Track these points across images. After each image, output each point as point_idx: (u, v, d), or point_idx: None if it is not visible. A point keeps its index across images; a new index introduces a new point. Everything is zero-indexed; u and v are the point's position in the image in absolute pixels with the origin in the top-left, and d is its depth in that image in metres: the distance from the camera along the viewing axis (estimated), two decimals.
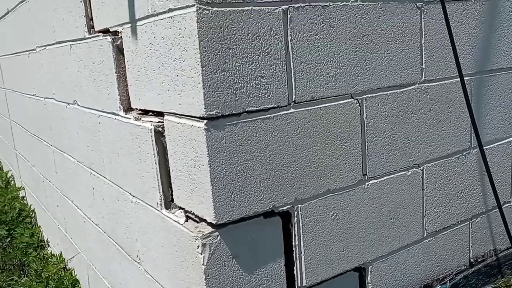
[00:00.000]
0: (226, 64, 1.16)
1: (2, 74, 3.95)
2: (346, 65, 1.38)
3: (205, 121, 1.16)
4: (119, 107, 1.58)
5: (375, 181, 1.51)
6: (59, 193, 2.75)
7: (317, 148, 1.36)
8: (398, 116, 1.53)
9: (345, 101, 1.40)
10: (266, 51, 1.22)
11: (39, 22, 2.39)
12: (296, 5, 1.26)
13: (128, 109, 1.57)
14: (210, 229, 1.23)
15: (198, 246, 1.22)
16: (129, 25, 1.44)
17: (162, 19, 1.25)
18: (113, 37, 1.55)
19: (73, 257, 2.53)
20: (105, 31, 1.64)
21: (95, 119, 1.83)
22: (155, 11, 1.28)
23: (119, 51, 1.55)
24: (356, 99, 1.42)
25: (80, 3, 1.73)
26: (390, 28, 1.46)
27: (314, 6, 1.29)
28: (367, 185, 1.49)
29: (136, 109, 1.54)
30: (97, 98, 1.77)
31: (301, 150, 1.33)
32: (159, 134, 1.39)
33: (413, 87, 1.55)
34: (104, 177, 1.87)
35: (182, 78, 1.21)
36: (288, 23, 1.25)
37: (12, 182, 4.77)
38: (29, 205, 4.03)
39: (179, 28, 1.18)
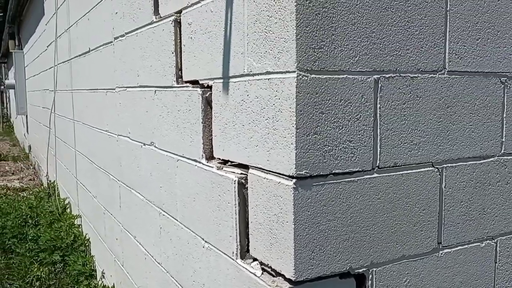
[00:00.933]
0: (318, 127, 1.22)
1: (73, 106, 4.18)
2: (429, 134, 1.41)
3: (294, 180, 1.21)
4: (202, 155, 1.66)
5: (449, 250, 1.50)
6: (120, 226, 2.85)
7: (396, 214, 1.38)
8: (475, 187, 1.53)
9: (426, 169, 1.42)
10: (356, 117, 1.28)
11: (122, 65, 2.55)
12: (387, 75, 1.32)
13: (210, 157, 1.65)
14: (288, 285, 1.26)
15: None
16: (221, 80, 1.54)
17: (258, 80, 1.33)
18: (202, 89, 1.65)
19: None
20: (193, 82, 1.75)
21: (172, 162, 1.92)
22: (251, 71, 1.36)
23: (207, 102, 1.64)
24: (437, 168, 1.44)
25: (172, 54, 1.86)
26: (473, 101, 1.49)
27: (404, 77, 1.35)
28: (441, 253, 1.49)
29: (218, 158, 1.62)
30: (177, 143, 1.86)
31: (381, 214, 1.35)
32: (242, 186, 1.44)
33: (492, 159, 1.56)
34: (175, 219, 1.93)
35: (273, 137, 1.27)
36: (378, 91, 1.31)
37: (69, 209, 4.95)
38: (84, 233, 4.16)
39: (276, 90, 1.25)
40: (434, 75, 1.41)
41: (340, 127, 1.26)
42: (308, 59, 1.19)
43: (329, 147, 1.25)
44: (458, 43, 1.44)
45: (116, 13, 2.59)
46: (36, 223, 4.92)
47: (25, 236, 4.61)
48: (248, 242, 1.44)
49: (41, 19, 6.35)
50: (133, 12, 2.31)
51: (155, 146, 2.13)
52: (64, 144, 4.89)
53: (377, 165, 1.33)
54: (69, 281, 3.65)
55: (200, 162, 1.68)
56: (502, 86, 1.54)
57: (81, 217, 4.31)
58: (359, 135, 1.29)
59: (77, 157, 4.21)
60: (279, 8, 1.22)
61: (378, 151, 1.33)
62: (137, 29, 2.27)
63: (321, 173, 1.24)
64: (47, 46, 5.65)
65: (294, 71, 1.18)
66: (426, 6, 1.36)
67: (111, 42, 2.75)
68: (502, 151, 1.58)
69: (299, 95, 1.19)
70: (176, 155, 1.88)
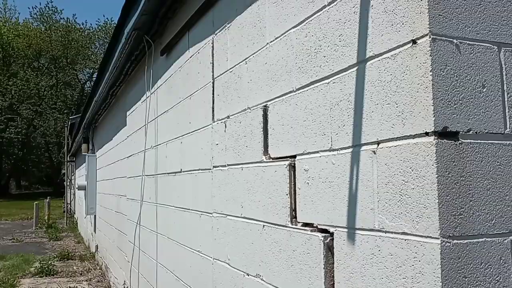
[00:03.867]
0: None
1: (157, 219, 4.36)
2: None
3: None
4: None
5: None
6: None
7: None
8: None
9: None
10: (496, 278, 1.30)
11: (222, 193, 2.70)
12: None
13: None
14: None
15: None
16: (345, 230, 1.61)
17: (392, 238, 1.40)
18: (324, 234, 1.73)
19: None
20: (309, 225, 1.83)
21: None
22: (383, 228, 1.44)
23: (328, 248, 1.71)
24: None
25: (286, 196, 1.97)
26: None
27: None
28: None
29: None
30: (290, 282, 1.91)
31: None
32: None
33: None
34: None
35: None
36: None
37: None
38: None
39: (416, 252, 1.31)
40: None
41: None
42: (450, 226, 1.26)
43: None
44: None
45: (217, 144, 2.79)
46: None
47: None
48: None
49: (121, 129, 6.82)
50: (238, 148, 2.49)
51: (262, 279, 2.19)
52: (143, 253, 5.03)
53: None
54: None
55: None
56: None
57: None
58: None
59: (159, 270, 4.30)
60: (416, 176, 1.31)
61: None
62: (242, 163, 2.43)
63: None
64: (128, 157, 6.02)
65: (438, 238, 1.24)
66: None
67: (209, 169, 2.93)
68: None
69: (443, 261, 1.24)
70: None
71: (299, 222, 1.91)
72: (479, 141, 1.33)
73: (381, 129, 1.45)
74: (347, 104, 1.62)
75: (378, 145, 1.47)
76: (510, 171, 1.35)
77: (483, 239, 1.30)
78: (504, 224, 1.33)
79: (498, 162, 1.34)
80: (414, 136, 1.33)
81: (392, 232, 1.40)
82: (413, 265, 1.32)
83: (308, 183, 1.85)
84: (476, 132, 1.33)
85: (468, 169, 1.30)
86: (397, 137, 1.39)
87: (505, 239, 1.33)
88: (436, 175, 1.25)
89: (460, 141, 1.30)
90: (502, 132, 1.36)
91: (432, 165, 1.27)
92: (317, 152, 1.79)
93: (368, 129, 1.52)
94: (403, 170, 1.36)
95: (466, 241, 1.28)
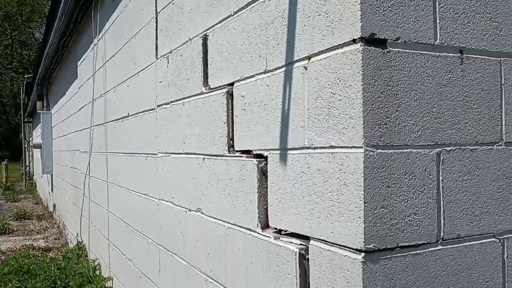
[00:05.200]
0: (385, 201, 1.24)
1: (108, 169, 4.27)
2: (489, 205, 1.42)
3: (362, 254, 1.22)
4: (257, 224, 1.68)
5: None
6: None
7: (460, 287, 1.37)
8: None
9: (488, 240, 1.42)
10: (420, 190, 1.30)
11: (166, 131, 2.63)
12: (448, 148, 1.35)
13: (265, 226, 1.67)
14: None
15: None
16: (278, 151, 1.58)
17: (320, 153, 1.37)
18: (258, 159, 1.69)
19: None
20: (246, 152, 1.79)
21: (222, 230, 1.94)
22: (312, 144, 1.41)
23: (262, 173, 1.68)
24: (499, 238, 1.44)
25: (224, 124, 1.92)
26: None
27: (464, 149, 1.38)
28: None
29: (273, 227, 1.63)
30: (228, 211, 1.89)
31: (446, 287, 1.34)
32: (302, 257, 1.45)
33: None
34: (225, 287, 1.93)
35: (338, 210, 1.29)
36: (441, 164, 1.33)
37: (98, 271, 4.93)
38: None
39: (341, 164, 1.28)
40: (492, 147, 1.43)
41: (406, 200, 1.28)
42: (374, 135, 1.23)
43: (395, 220, 1.26)
44: None
45: (161, 82, 2.70)
46: (66, 285, 4.90)
47: None
48: None
49: (73, 82, 6.59)
50: (180, 83, 2.41)
51: (202, 213, 2.16)
52: (96, 205, 4.95)
53: (441, 237, 1.34)
54: None
55: (254, 231, 1.69)
56: None
57: (112, 280, 4.29)
58: (423, 207, 1.30)
59: (110, 219, 4.24)
60: (343, 87, 1.28)
61: (442, 223, 1.33)
62: (183, 98, 2.36)
63: (388, 247, 1.25)
64: (80, 109, 5.83)
65: (361, 147, 1.22)
66: (482, 81, 1.41)
67: (154, 109, 2.84)
68: None
69: (366, 170, 1.22)
70: (227, 222, 1.90)
71: (236, 151, 1.87)
72: (408, 50, 1.29)
73: (312, 42, 1.40)
74: (281, 22, 1.56)
75: (309, 60, 1.43)
76: (438, 82, 1.33)
77: (408, 150, 1.29)
78: (431, 136, 1.32)
79: (426, 73, 1.32)
80: (342, 45, 1.29)
81: (320, 148, 1.37)
82: (338, 178, 1.30)
83: (244, 109, 1.80)
84: (405, 41, 1.29)
85: (396, 79, 1.27)
86: (326, 49, 1.34)
87: (431, 151, 1.32)
88: (362, 83, 1.22)
89: (388, 49, 1.26)
90: (432, 43, 1.33)
91: (358, 73, 1.23)
92: (253, 76, 1.73)
93: (300, 45, 1.46)
94: (332, 82, 1.32)
95: (390, 151, 1.26)
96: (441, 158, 1.33)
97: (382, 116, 1.25)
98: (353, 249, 1.25)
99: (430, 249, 1.32)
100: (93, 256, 5.19)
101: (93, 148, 4.83)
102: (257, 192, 1.68)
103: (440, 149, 1.33)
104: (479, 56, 1.41)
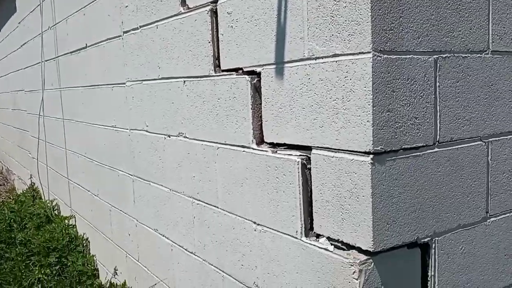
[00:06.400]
0: (391, 105, 1.29)
1: (63, 105, 4.10)
2: (477, 110, 1.51)
3: (371, 156, 1.27)
4: (252, 140, 1.70)
5: (495, 218, 1.61)
6: (135, 221, 2.84)
7: (452, 186, 1.47)
8: None
9: (475, 143, 1.52)
10: (420, 94, 1.36)
11: (136, 58, 2.55)
12: (444, 55, 1.40)
13: (260, 142, 1.69)
14: (364, 256, 1.33)
15: (354, 272, 1.31)
16: (273, 66, 1.58)
17: (322, 63, 1.39)
18: (250, 76, 1.69)
19: (155, 285, 2.60)
20: (235, 70, 1.78)
21: (210, 150, 1.95)
22: (313, 55, 1.42)
23: (255, 89, 1.68)
24: (484, 141, 1.54)
25: (208, 44, 1.88)
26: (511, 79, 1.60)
27: (457, 56, 1.44)
28: (489, 222, 1.59)
29: (268, 143, 1.66)
30: (216, 131, 1.89)
31: (440, 186, 1.44)
32: (304, 166, 1.50)
33: None
34: (215, 207, 1.96)
35: (343, 117, 1.33)
36: (438, 70, 1.39)
37: (57, 211, 4.84)
38: (80, 233, 4.10)
39: (347, 72, 1.31)
40: (481, 55, 1.50)
41: (408, 104, 1.33)
42: (381, 40, 1.26)
43: (399, 124, 1.32)
44: (499, 25, 1.54)
45: (127, 6, 2.58)
46: (23, 227, 4.79)
47: (13, 240, 4.49)
48: (312, 220, 1.50)
49: (10, 17, 6.15)
50: (151, 5, 2.31)
51: (184, 137, 2.15)
52: (50, 145, 4.78)
53: (438, 140, 1.41)
54: (71, 282, 3.59)
55: (249, 148, 1.72)
56: None
57: (75, 217, 4.24)
58: (423, 111, 1.37)
59: (69, 157, 4.13)
60: None
61: (438, 127, 1.41)
62: (157, 21, 2.27)
63: (393, 149, 1.31)
64: (22, 45, 5.49)
65: (370, 52, 1.24)
66: None
67: (119, 36, 2.73)
68: None
69: (374, 74, 1.25)
70: (216, 143, 1.91)
71: (223, 70, 1.85)
72: None
73: None
74: None
75: None
76: None
77: (410, 56, 1.33)
78: (429, 42, 1.36)
79: None
80: None
81: (322, 57, 1.38)
82: (343, 85, 1.32)
83: (232, 26, 1.77)
84: None
85: None
86: None
87: (430, 58, 1.37)
88: None
89: None
90: None
91: None
92: None
93: None
94: None
95: (395, 56, 1.29)
96: (438, 64, 1.39)
97: (388, 21, 1.27)
98: (360, 152, 1.30)
99: (428, 151, 1.40)
100: (50, 197, 5.07)
101: (44, 86, 4.61)
102: (251, 109, 1.69)
103: (437, 56, 1.39)
104: None
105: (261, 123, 1.68)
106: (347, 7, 1.29)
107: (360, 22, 1.26)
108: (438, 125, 1.41)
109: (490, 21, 1.52)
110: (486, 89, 1.53)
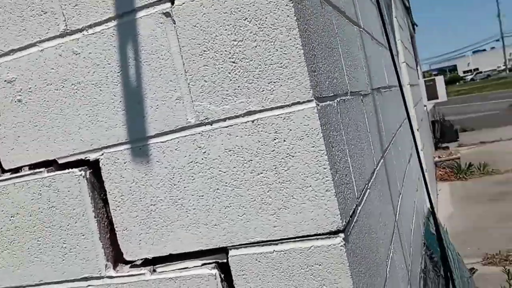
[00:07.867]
0: (337, 164, 1.00)
1: None
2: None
3: (341, 234, 0.95)
4: (105, 265, 1.09)
5: None
6: None
7: None
8: None
9: None
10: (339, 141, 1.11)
11: None
12: (339, 99, 1.21)
13: (117, 262, 1.10)
14: None
15: None
16: (125, 146, 1.06)
17: (227, 127, 0.99)
18: (79, 168, 1.09)
19: None
20: (35, 166, 1.14)
21: None
22: (206, 118, 1.01)
23: (92, 186, 1.10)
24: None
25: None
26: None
27: (342, 98, 1.26)
28: None
29: (135, 261, 1.10)
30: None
31: None
32: (222, 280, 1.03)
33: None
34: None
35: (283, 194, 0.97)
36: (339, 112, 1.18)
37: None
38: None
39: (275, 132, 0.96)
40: (346, 96, 1.38)
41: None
42: (319, 87, 0.97)
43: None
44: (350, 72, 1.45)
45: None
46: None
47: None
48: None
49: None
50: None
51: None
52: None
53: None
54: None
55: (103, 277, 1.10)
56: (362, 102, 1.65)
57: None
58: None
59: None
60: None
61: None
62: None
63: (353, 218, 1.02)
64: None
65: (312, 100, 0.93)
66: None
67: None
68: None
69: (323, 127, 0.95)
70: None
71: (7, 170, 1.16)
72: None
73: None
74: None
75: (172, 4, 1.00)
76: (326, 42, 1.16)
77: (328, 102, 1.07)
78: (331, 88, 1.14)
79: None
80: None
81: (225, 119, 0.98)
82: (273, 151, 0.96)
83: (20, 101, 1.13)
84: None
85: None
86: None
87: (333, 102, 1.15)
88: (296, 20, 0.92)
89: None
90: None
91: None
92: (34, 44, 1.10)
93: None
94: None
95: (326, 103, 1.02)
96: (339, 107, 1.18)
97: (315, 67, 0.99)
98: (326, 233, 0.95)
99: None
100: None
101: None
102: (95, 217, 1.09)
103: (339, 99, 1.18)
104: None
105: (115, 235, 1.10)
106: (262, 47, 0.95)
107: (288, 66, 0.94)
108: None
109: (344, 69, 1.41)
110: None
